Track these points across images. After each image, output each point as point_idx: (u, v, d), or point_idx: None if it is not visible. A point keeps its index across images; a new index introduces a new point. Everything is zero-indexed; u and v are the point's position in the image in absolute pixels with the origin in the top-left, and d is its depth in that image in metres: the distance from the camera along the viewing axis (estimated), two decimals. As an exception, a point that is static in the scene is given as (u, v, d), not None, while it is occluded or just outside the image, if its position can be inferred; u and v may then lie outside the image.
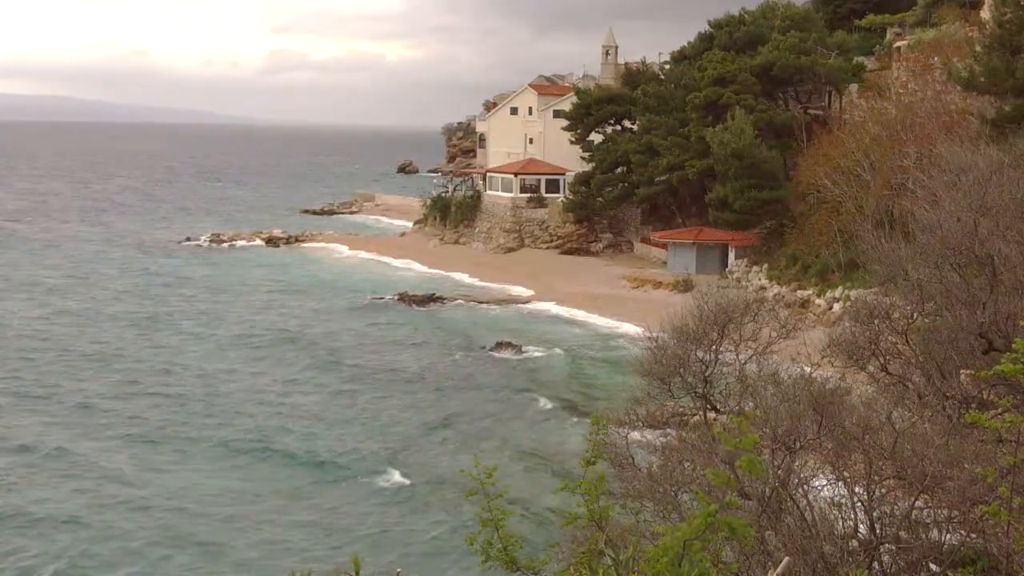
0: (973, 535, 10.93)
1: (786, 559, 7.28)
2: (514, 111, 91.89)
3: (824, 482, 13.17)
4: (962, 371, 17.76)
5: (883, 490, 11.96)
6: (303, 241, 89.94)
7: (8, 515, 30.11)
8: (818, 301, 52.56)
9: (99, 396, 42.99)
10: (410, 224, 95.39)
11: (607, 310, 59.32)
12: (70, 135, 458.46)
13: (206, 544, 28.61)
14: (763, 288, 56.21)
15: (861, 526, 11.55)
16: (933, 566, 10.98)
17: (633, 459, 16.89)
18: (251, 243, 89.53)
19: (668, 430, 20.33)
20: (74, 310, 60.96)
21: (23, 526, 29.38)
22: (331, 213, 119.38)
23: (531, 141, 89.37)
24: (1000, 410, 12.85)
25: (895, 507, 11.59)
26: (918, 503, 11.50)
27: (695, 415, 20.19)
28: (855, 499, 11.82)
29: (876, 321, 20.15)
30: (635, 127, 75.81)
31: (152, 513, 30.48)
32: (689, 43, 78.37)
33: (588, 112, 79.50)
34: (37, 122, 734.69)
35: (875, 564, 11.00)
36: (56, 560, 27.18)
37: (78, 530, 29.19)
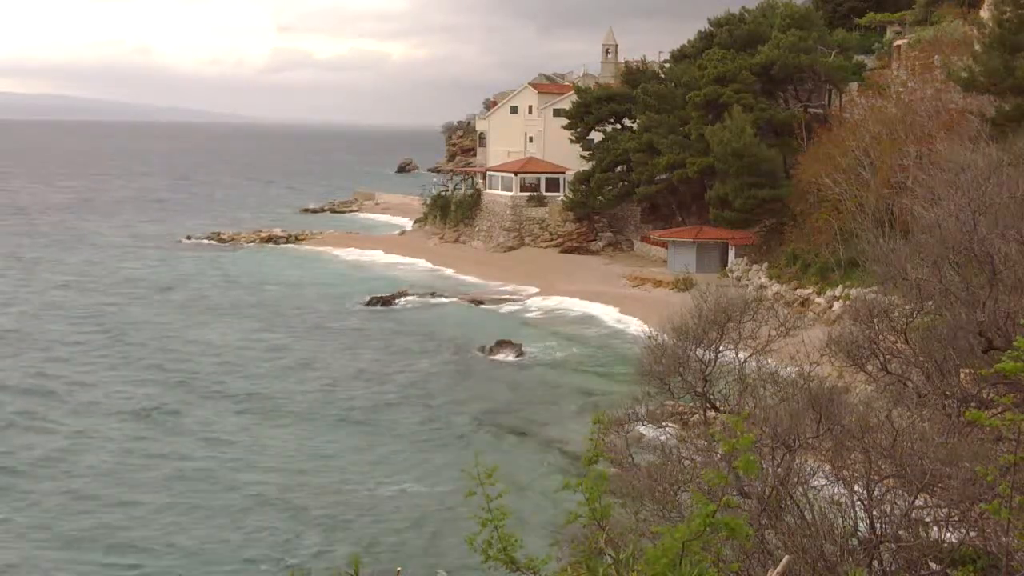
0: (973, 533, 10.94)
1: (786, 558, 7.30)
2: (514, 110, 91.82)
3: (824, 481, 13.19)
4: (962, 370, 17.78)
5: (883, 489, 11.97)
6: (303, 240, 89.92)
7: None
8: (818, 300, 52.55)
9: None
10: (410, 223, 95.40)
11: (607, 309, 59.37)
12: (72, 134, 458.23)
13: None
14: (763, 287, 56.22)
15: (861, 525, 11.57)
16: (933, 564, 10.98)
17: (633, 458, 16.91)
18: (251, 242, 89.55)
19: (668, 429, 20.35)
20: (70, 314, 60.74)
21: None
22: (331, 212, 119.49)
23: (531, 140, 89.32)
24: (1000, 408, 12.87)
25: (895, 506, 11.60)
26: (918, 501, 11.51)
27: (695, 414, 20.22)
28: (855, 498, 11.84)
29: (876, 320, 20.16)
30: (635, 126, 75.78)
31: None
32: (689, 41, 78.36)
33: (588, 111, 79.49)
34: (39, 121, 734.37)
35: (875, 563, 11.01)
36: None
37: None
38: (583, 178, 77.56)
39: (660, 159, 69.65)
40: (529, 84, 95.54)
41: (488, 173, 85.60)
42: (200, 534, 29.32)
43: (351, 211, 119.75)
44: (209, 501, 31.76)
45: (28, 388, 44.09)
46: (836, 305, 49.27)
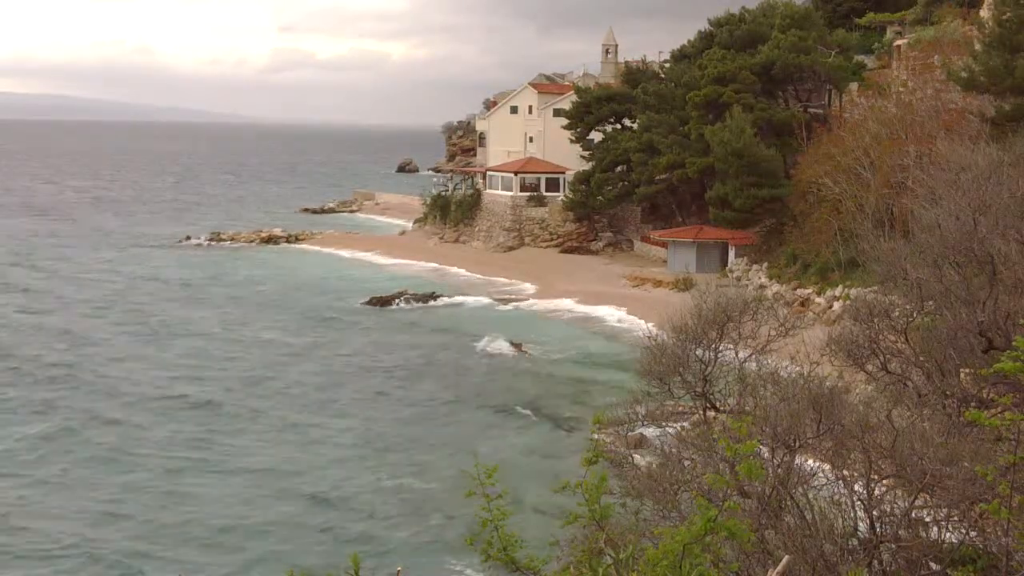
0: (973, 533, 10.94)
1: (786, 558, 7.30)
2: (514, 110, 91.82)
3: (824, 481, 13.18)
4: (962, 369, 17.78)
5: (883, 489, 11.98)
6: (303, 240, 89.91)
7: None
8: (818, 300, 52.56)
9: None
10: (410, 223, 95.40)
11: (607, 308, 59.40)
12: (72, 134, 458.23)
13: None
14: (763, 287, 56.21)
15: (861, 524, 11.57)
16: (933, 564, 10.99)
17: (632, 458, 16.92)
18: (251, 242, 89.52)
19: (668, 429, 20.35)
20: (71, 326, 60.63)
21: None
22: (331, 212, 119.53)
23: (531, 140, 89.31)
24: (1000, 408, 12.87)
25: (895, 505, 11.60)
26: (917, 501, 11.51)
27: (695, 414, 20.22)
28: (855, 498, 11.84)
29: (876, 320, 20.17)
30: (635, 126, 75.79)
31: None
32: (689, 41, 78.38)
33: (588, 111, 79.49)
34: (39, 121, 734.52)
35: (875, 563, 11.01)
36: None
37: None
38: (583, 178, 77.54)
39: (660, 159, 69.63)
40: (529, 84, 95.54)
41: (488, 173, 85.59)
42: (205, 533, 29.45)
43: (351, 211, 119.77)
44: (224, 496, 31.98)
45: (70, 386, 44.67)
46: (836, 305, 49.27)
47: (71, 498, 31.91)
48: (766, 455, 13.08)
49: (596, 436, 16.64)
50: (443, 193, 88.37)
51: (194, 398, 42.76)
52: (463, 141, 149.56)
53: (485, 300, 63.93)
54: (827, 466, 13.34)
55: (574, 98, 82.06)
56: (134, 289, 68.24)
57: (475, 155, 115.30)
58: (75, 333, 54.64)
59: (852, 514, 11.67)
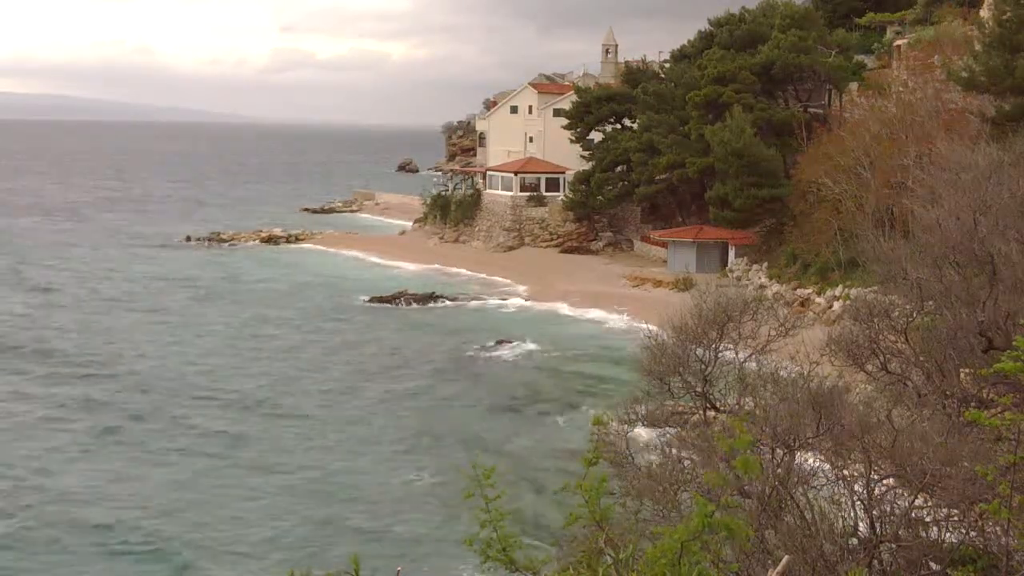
0: (972, 533, 10.94)
1: (786, 558, 7.29)
2: (514, 110, 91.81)
3: (824, 481, 13.19)
4: (962, 369, 17.78)
5: (882, 488, 11.98)
6: (303, 240, 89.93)
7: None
8: (818, 300, 52.57)
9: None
10: (410, 223, 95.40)
11: (607, 308, 59.42)
12: (72, 134, 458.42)
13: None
14: (763, 286, 56.21)
15: (861, 524, 11.57)
16: (933, 564, 10.99)
17: (632, 458, 16.92)
18: (251, 242, 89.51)
19: (668, 429, 20.34)
20: (65, 325, 60.60)
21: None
22: (331, 211, 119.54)
23: (531, 140, 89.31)
24: (1000, 408, 12.87)
25: (894, 505, 11.61)
26: (917, 501, 11.51)
27: (695, 414, 20.21)
28: (855, 497, 11.84)
29: (876, 320, 20.16)
30: (635, 126, 75.80)
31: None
32: (689, 41, 78.39)
33: (588, 111, 79.51)
34: (39, 121, 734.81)
35: (875, 562, 11.01)
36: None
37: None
38: (583, 178, 77.55)
39: (660, 159, 69.63)
40: (529, 84, 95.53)
41: (488, 173, 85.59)
42: (212, 528, 29.58)
43: (351, 211, 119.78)
44: (225, 494, 32.14)
45: (100, 384, 44.98)
46: (836, 305, 49.28)
47: (107, 491, 32.34)
48: (766, 455, 13.08)
49: (596, 436, 16.66)
50: (443, 193, 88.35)
51: (208, 397, 42.96)
52: (463, 141, 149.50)
53: (485, 300, 63.94)
54: (827, 466, 13.34)
55: (574, 98, 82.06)
56: (140, 289, 68.28)
57: (475, 155, 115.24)
58: (92, 331, 54.89)
59: (852, 514, 11.68)
